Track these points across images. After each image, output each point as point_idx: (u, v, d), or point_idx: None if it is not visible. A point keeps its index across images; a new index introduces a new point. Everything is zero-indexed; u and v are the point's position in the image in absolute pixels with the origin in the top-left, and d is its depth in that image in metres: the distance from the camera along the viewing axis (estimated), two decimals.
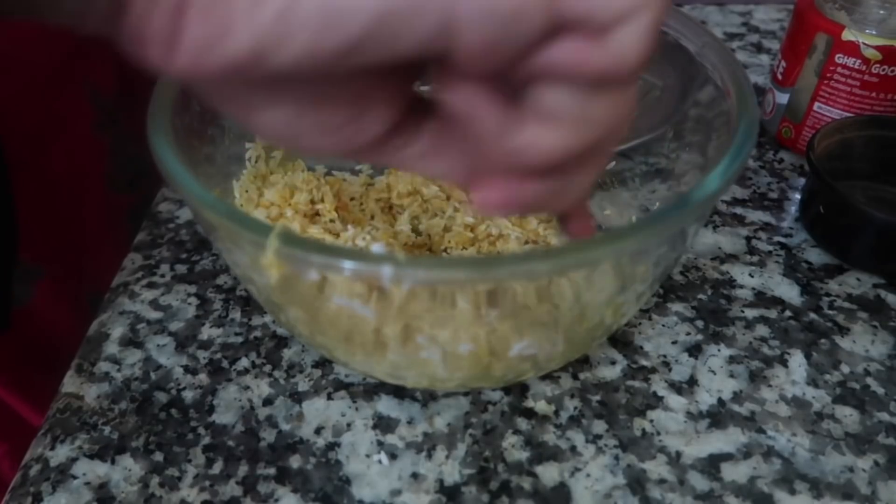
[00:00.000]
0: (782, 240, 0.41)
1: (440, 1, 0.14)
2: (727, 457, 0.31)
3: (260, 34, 0.14)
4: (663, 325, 0.36)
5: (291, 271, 0.24)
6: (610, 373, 0.34)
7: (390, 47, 0.15)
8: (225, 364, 0.35)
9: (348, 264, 0.22)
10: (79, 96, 0.43)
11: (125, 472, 0.30)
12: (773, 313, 0.37)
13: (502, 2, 0.14)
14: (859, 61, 0.42)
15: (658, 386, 0.33)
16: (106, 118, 0.45)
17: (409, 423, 0.32)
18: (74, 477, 0.30)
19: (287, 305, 0.29)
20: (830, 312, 0.37)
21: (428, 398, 0.33)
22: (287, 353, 0.35)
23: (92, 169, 0.46)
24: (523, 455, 0.31)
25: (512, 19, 0.15)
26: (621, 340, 0.35)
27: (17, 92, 0.38)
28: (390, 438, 0.31)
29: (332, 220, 0.36)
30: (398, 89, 0.19)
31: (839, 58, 0.43)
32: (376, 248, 0.33)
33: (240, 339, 0.36)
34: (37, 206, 0.40)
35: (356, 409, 0.33)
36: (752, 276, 0.39)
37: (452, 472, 0.30)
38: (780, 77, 0.47)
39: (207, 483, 0.30)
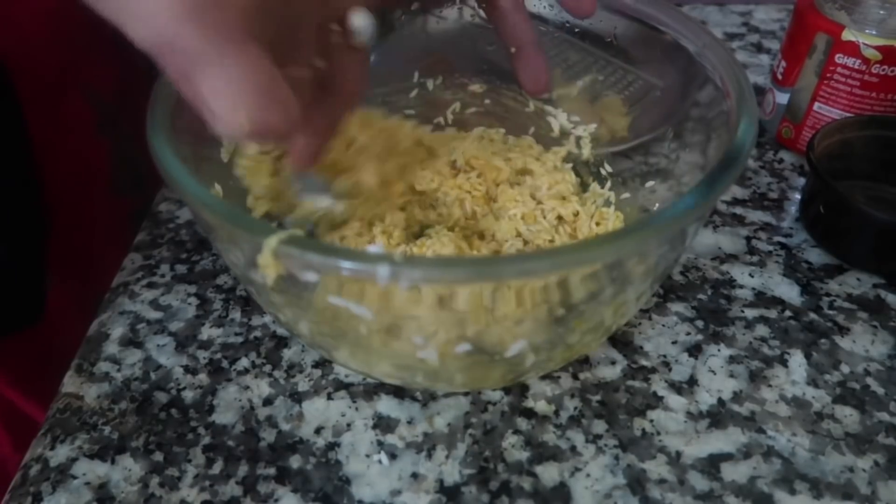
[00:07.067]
0: (782, 240, 0.41)
1: None
2: (727, 457, 0.31)
3: None
4: (663, 325, 0.36)
5: (288, 271, 0.24)
6: (610, 373, 0.34)
7: None
8: (225, 364, 0.35)
9: (345, 264, 0.22)
10: (80, 100, 0.43)
11: (125, 472, 0.30)
12: (773, 313, 0.37)
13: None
14: (859, 61, 0.42)
15: (658, 386, 0.33)
16: (107, 121, 0.45)
17: (409, 423, 0.32)
18: (74, 477, 0.30)
19: (285, 305, 0.29)
20: (830, 312, 0.37)
21: (428, 398, 0.33)
22: (287, 353, 0.35)
23: (95, 172, 0.45)
24: (523, 455, 0.31)
25: None
26: (621, 340, 0.35)
27: (20, 98, 0.38)
28: (390, 438, 0.31)
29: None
30: None
31: (839, 58, 0.43)
32: (373, 247, 0.33)
33: (240, 339, 0.36)
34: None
35: (356, 409, 0.33)
36: (752, 276, 0.39)
37: (452, 472, 0.30)
38: (780, 77, 0.47)
39: (207, 483, 0.30)
